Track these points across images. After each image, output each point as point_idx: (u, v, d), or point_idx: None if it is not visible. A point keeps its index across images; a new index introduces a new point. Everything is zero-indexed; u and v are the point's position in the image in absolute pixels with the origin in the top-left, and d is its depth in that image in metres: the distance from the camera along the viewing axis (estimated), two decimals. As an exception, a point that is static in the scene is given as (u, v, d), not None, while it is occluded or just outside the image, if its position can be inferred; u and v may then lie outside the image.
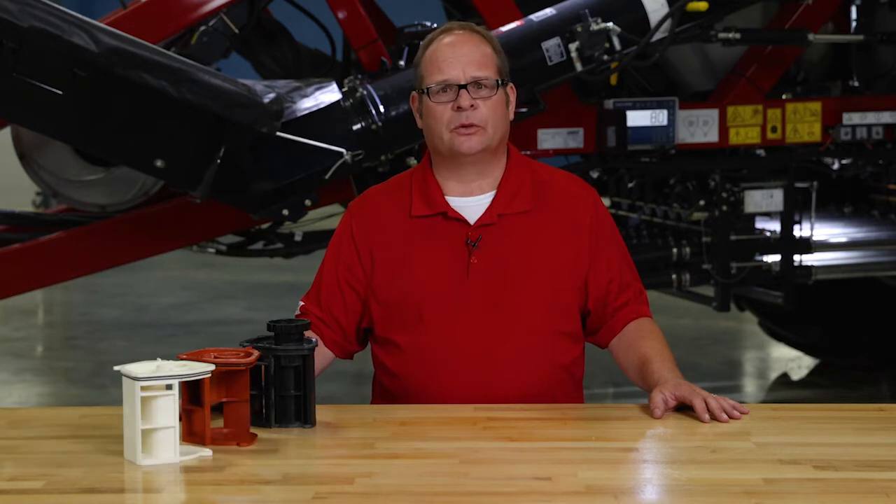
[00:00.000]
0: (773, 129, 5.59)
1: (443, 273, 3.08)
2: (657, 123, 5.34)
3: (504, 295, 3.07)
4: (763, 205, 5.61)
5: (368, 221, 3.16)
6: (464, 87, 3.06)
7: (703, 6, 5.04)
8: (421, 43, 3.19)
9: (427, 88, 3.09)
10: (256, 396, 2.80)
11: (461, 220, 3.11)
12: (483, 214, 3.11)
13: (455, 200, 3.13)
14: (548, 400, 3.06)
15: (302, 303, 3.19)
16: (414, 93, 3.16)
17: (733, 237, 5.60)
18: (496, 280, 3.07)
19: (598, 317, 3.16)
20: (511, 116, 3.16)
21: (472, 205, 3.12)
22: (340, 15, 5.29)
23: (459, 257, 3.09)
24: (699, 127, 5.51)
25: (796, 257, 5.67)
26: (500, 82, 3.10)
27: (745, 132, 5.57)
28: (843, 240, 5.90)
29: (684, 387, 2.93)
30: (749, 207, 5.59)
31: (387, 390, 3.15)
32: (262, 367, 2.81)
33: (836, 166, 5.92)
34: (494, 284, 3.07)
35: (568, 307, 3.12)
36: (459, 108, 3.06)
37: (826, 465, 2.57)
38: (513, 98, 3.16)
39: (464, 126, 3.06)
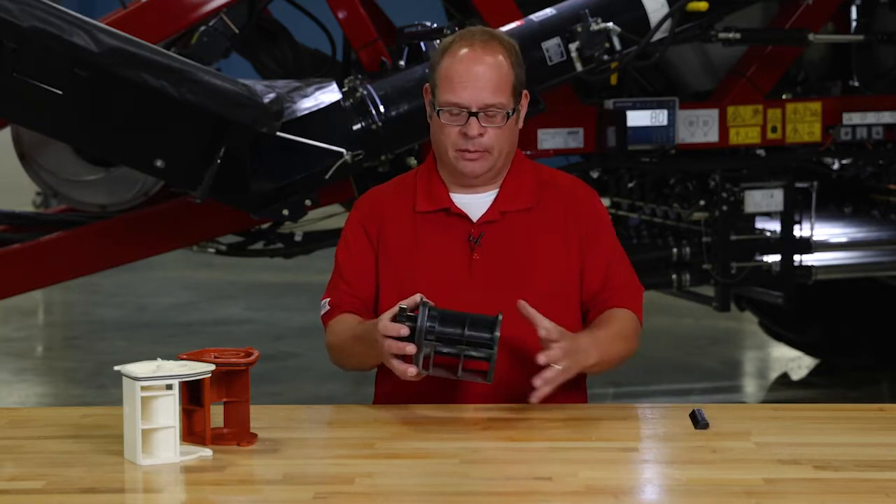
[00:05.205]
0: (774, 129, 5.59)
1: (445, 269, 3.08)
2: (657, 123, 5.34)
3: (506, 291, 3.06)
4: (763, 205, 5.61)
5: (375, 215, 3.16)
6: (474, 114, 3.02)
7: (703, 6, 5.04)
8: (439, 43, 3.12)
9: (438, 107, 3.05)
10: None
11: (464, 217, 3.11)
12: (486, 211, 3.11)
13: (458, 197, 3.13)
14: (550, 396, 3.05)
15: (326, 304, 3.14)
16: (427, 85, 3.13)
17: (733, 237, 5.60)
18: (498, 276, 3.07)
19: (587, 310, 3.15)
20: (520, 125, 3.13)
21: (475, 202, 3.13)
22: (340, 15, 5.29)
23: (462, 253, 3.09)
24: (699, 127, 5.51)
25: (796, 257, 5.67)
26: (511, 111, 3.03)
27: (745, 132, 5.57)
28: (843, 240, 5.90)
29: (568, 343, 2.88)
30: (749, 207, 5.59)
31: (389, 387, 3.14)
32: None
33: (836, 166, 5.92)
34: (497, 280, 3.07)
35: (569, 303, 3.11)
36: (466, 135, 3.03)
37: (826, 465, 2.57)
38: (524, 105, 3.12)
39: (469, 151, 3.05)
